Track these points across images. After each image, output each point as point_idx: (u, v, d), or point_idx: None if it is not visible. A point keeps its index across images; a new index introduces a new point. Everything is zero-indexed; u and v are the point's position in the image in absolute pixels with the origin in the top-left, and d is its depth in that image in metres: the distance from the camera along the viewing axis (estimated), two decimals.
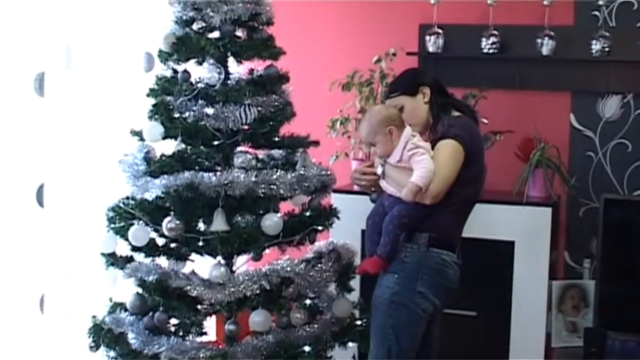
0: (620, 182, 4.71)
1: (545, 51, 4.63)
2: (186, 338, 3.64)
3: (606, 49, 4.56)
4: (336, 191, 4.23)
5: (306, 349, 3.61)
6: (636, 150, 4.67)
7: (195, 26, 3.71)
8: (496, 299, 4.49)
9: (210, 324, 4.12)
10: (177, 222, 3.51)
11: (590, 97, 4.75)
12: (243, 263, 3.86)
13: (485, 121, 4.53)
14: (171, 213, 3.54)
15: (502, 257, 4.43)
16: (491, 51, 4.72)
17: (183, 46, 3.70)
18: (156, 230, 3.63)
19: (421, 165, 3.25)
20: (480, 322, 4.49)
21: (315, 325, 3.72)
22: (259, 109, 3.68)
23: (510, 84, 4.81)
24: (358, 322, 3.88)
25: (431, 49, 4.83)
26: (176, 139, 3.66)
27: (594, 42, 4.57)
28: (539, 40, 4.64)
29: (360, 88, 4.68)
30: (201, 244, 3.59)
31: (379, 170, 3.39)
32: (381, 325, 3.41)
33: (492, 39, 4.71)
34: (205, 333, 3.80)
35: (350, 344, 3.84)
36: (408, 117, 3.43)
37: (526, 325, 4.41)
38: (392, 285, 3.36)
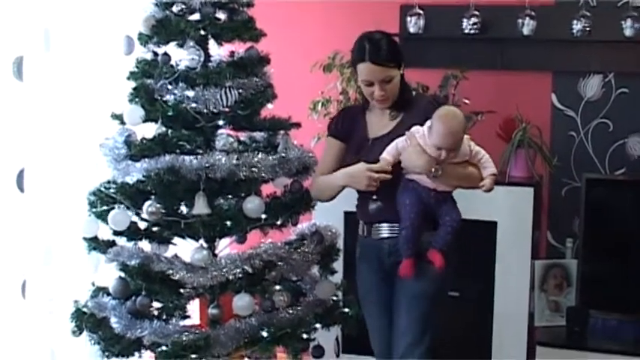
0: (602, 162, 4.72)
1: (526, 31, 4.62)
2: (169, 322, 3.63)
3: (587, 28, 4.55)
4: None
5: (289, 330, 3.60)
6: (617, 129, 4.68)
7: (175, 8, 3.68)
8: (479, 279, 4.51)
9: (193, 308, 4.12)
10: (158, 205, 3.50)
11: (571, 77, 4.75)
12: (225, 246, 3.85)
13: (467, 101, 4.54)
14: (152, 196, 3.53)
15: (484, 237, 4.44)
16: (472, 31, 4.72)
17: (164, 29, 3.68)
18: (137, 214, 3.61)
19: (487, 157, 3.40)
20: (463, 302, 4.49)
21: (298, 308, 3.71)
22: (240, 91, 3.66)
23: (492, 64, 4.81)
24: (341, 304, 3.88)
25: (412, 29, 4.82)
26: (157, 122, 3.65)
27: (575, 22, 4.57)
28: (520, 20, 4.64)
29: (342, 69, 4.66)
30: (182, 227, 3.57)
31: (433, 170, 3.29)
32: (434, 314, 3.46)
33: (473, 19, 4.70)
34: (188, 317, 3.79)
35: (333, 326, 3.84)
36: (391, 90, 3.41)
37: (509, 305, 4.42)
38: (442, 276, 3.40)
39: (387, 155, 3.35)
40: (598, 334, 4.49)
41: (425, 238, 3.36)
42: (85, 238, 3.75)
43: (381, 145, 3.42)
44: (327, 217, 4.04)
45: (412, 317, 3.42)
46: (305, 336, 3.68)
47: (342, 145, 3.62)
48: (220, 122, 3.71)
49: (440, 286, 3.45)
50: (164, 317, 3.68)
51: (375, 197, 3.43)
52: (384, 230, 3.48)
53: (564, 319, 4.53)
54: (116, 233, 3.68)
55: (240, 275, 3.50)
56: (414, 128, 3.34)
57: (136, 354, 3.64)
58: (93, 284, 3.90)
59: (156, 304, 3.75)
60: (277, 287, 3.74)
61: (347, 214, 4.35)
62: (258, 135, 3.86)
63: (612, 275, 4.51)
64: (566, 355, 4.34)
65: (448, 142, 3.24)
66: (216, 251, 3.77)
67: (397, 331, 3.48)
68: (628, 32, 4.50)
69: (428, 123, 3.30)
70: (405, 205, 3.35)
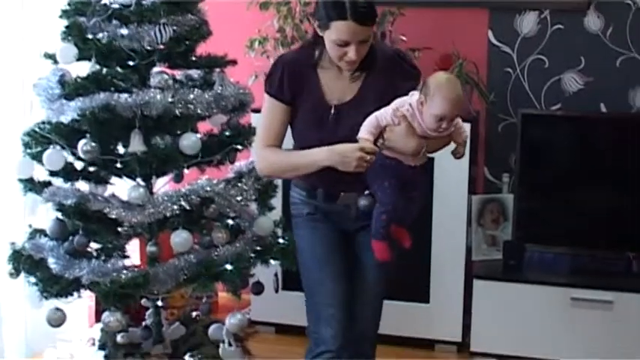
0: (538, 97, 4.76)
1: None
2: (108, 262, 3.62)
3: None
4: (255, 111, 4.21)
5: (228, 267, 3.62)
6: (553, 66, 4.72)
7: None
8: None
9: (132, 247, 4.12)
10: (94, 144, 3.47)
11: (507, 14, 4.77)
12: (163, 185, 3.85)
13: (404, 38, 4.54)
14: (88, 135, 3.50)
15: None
16: None
17: None
18: (73, 154, 3.58)
19: (460, 121, 3.06)
20: None
21: (237, 244, 3.73)
22: (175, 28, 3.63)
23: (428, 1, 4.81)
24: (280, 240, 3.90)
25: None
26: (90, 60, 3.61)
27: None
28: None
29: (278, 7, 4.63)
30: (119, 166, 3.57)
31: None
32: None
33: None
34: (128, 257, 3.79)
35: (272, 262, 3.86)
36: (365, 51, 2.98)
37: (446, 240, 4.47)
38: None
39: (368, 135, 2.95)
40: (534, 267, 4.57)
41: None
42: (20, 180, 3.72)
43: (349, 116, 3.03)
44: None
45: (379, 283, 3.29)
46: (244, 272, 3.69)
47: (288, 109, 3.10)
48: (155, 60, 3.66)
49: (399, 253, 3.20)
50: (103, 258, 3.67)
51: (367, 192, 3.06)
52: (352, 198, 3.12)
53: (501, 253, 4.60)
54: (52, 174, 3.66)
55: (178, 212, 3.50)
56: (398, 102, 2.95)
57: (75, 294, 3.63)
58: (30, 226, 3.87)
59: (95, 245, 3.75)
60: (216, 224, 3.76)
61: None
62: (194, 73, 3.83)
63: (548, 209, 4.59)
64: (502, 288, 4.42)
65: (453, 111, 2.91)
66: (154, 190, 3.76)
67: (364, 298, 3.27)
68: None
69: (415, 96, 2.94)
70: (385, 187, 3.01)
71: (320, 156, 3.00)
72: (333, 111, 3.06)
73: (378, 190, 3.04)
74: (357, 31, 2.88)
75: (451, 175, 4.39)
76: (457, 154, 3.12)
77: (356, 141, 2.93)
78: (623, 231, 4.48)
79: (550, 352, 4.35)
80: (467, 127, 4.33)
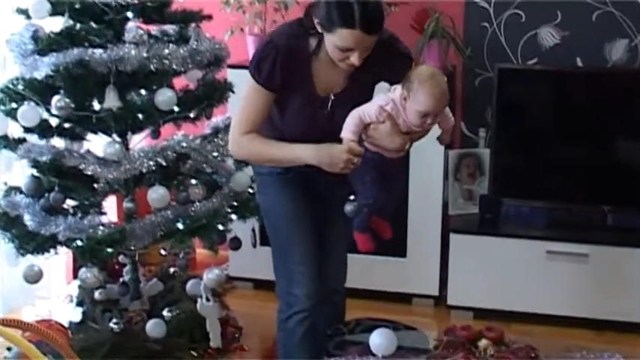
0: (514, 52, 4.76)
1: None
2: (85, 218, 3.61)
3: None
4: (231, 66, 4.21)
5: (205, 222, 3.61)
6: (530, 20, 4.70)
7: None
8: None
9: (109, 204, 4.12)
10: (68, 100, 3.45)
11: None
12: (140, 141, 3.83)
13: None
14: (62, 91, 3.48)
15: None
16: None
17: None
18: (47, 110, 3.56)
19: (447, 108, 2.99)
20: None
21: (214, 200, 3.72)
22: None
23: None
24: (257, 196, 3.90)
25: None
26: (64, 15, 3.58)
27: None
28: None
29: None
30: (94, 122, 3.55)
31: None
32: None
33: None
34: (104, 213, 3.79)
35: (249, 217, 3.86)
36: (367, 53, 2.81)
37: (423, 194, 4.48)
38: None
39: (353, 135, 2.87)
40: (510, 220, 4.60)
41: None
42: None
43: (342, 106, 2.93)
44: None
45: (345, 236, 3.25)
46: (221, 227, 3.69)
47: (273, 96, 2.94)
48: (129, 15, 3.63)
49: None
50: (80, 215, 3.67)
51: (353, 198, 3.00)
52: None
53: (477, 207, 4.62)
54: (27, 130, 3.64)
55: (154, 168, 3.49)
56: (381, 100, 2.89)
57: (52, 250, 3.62)
58: (5, 184, 3.86)
59: (72, 202, 3.74)
60: (193, 181, 3.75)
61: None
62: (169, 28, 3.80)
63: (524, 164, 4.60)
64: (479, 242, 4.44)
65: (438, 106, 2.84)
66: (130, 146, 3.74)
67: (333, 253, 3.28)
68: None
69: (398, 91, 2.86)
70: (366, 181, 2.97)
71: (305, 153, 2.91)
72: (328, 104, 2.95)
73: (359, 184, 2.99)
74: (364, 40, 2.72)
75: None
76: (443, 141, 3.08)
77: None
78: (599, 185, 4.51)
79: (526, 304, 4.39)
80: None
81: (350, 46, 2.73)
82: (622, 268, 4.27)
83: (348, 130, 2.87)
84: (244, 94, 2.99)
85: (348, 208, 2.99)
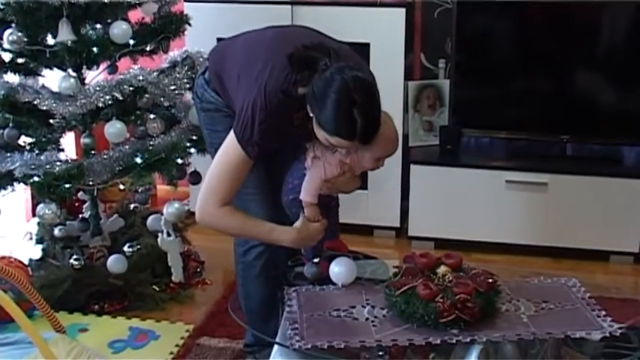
0: None
1: None
2: (42, 154, 3.58)
3: None
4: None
5: (164, 156, 3.58)
6: None
7: None
8: None
9: (68, 141, 4.08)
10: (20, 34, 3.41)
11: None
12: (96, 75, 3.78)
13: None
14: (13, 25, 3.42)
15: None
16: None
17: None
18: None
19: None
20: None
21: (172, 134, 3.70)
22: None
23: None
24: None
25: None
26: None
27: None
28: None
29: None
30: (48, 56, 3.50)
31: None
32: None
33: None
34: (62, 150, 3.76)
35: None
36: None
37: None
38: None
39: (312, 199, 2.83)
40: (470, 151, 4.62)
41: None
42: None
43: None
44: (200, 43, 3.97)
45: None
46: (180, 161, 3.67)
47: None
48: None
49: None
50: (37, 151, 3.63)
51: (316, 260, 2.95)
52: None
53: (437, 139, 4.63)
54: None
55: (111, 102, 3.46)
56: (339, 155, 2.79)
57: (9, 187, 3.60)
58: None
59: (29, 140, 3.71)
60: (151, 115, 3.72)
61: (220, 40, 4.28)
62: None
63: (484, 95, 4.60)
64: (439, 173, 4.46)
65: (394, 147, 2.87)
66: (86, 81, 3.70)
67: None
68: None
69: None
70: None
71: (285, 238, 2.83)
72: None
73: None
74: (357, 146, 2.66)
75: (387, 61, 4.37)
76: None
77: None
78: (558, 115, 4.52)
79: (486, 234, 4.44)
80: (402, 12, 4.35)
81: (342, 147, 2.67)
82: (580, 196, 4.31)
83: (309, 194, 2.83)
84: (226, 160, 2.75)
85: (310, 270, 2.94)
